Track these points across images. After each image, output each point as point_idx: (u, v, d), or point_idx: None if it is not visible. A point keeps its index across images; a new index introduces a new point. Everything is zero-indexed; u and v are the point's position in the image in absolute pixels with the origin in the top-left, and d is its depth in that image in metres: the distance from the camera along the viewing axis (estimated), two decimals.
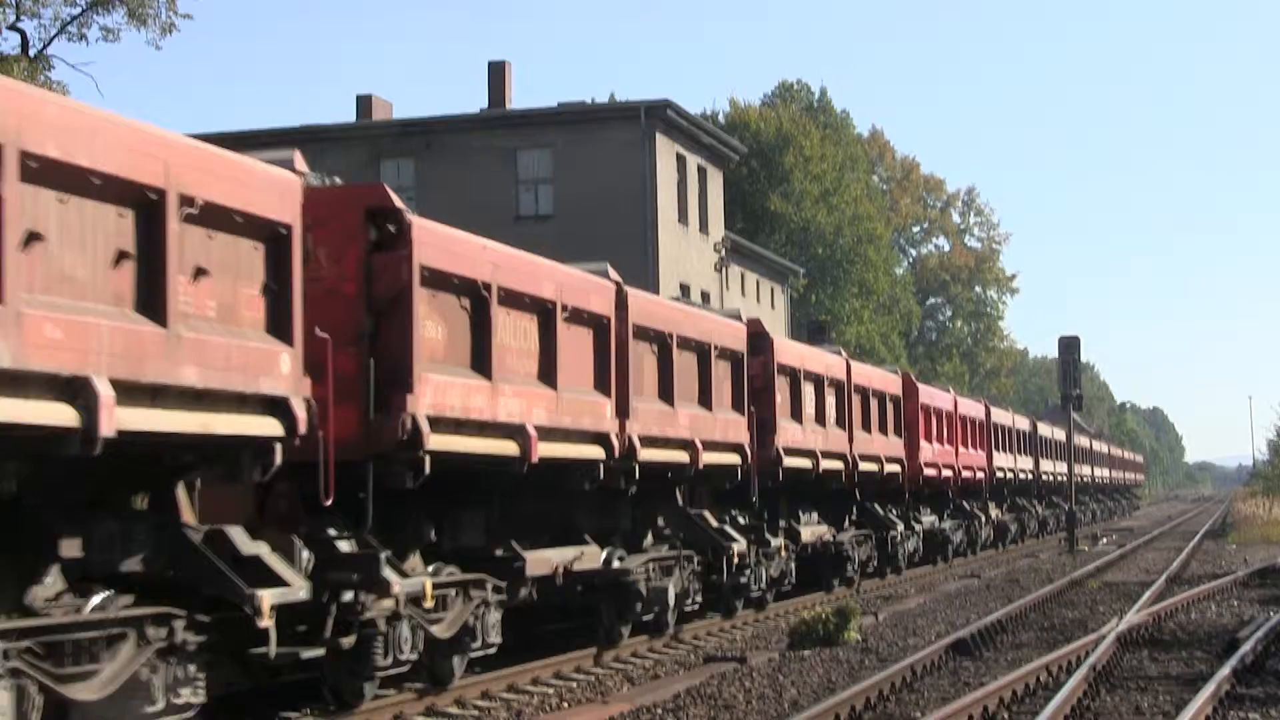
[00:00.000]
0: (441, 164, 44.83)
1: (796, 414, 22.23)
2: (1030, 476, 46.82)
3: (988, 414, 39.64)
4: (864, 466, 25.58)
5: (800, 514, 23.61)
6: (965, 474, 35.11)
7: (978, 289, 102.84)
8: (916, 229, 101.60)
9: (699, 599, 18.60)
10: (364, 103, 49.81)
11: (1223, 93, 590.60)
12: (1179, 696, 12.77)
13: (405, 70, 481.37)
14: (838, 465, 24.25)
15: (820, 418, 23.54)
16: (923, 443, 30.77)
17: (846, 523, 26.54)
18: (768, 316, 54.29)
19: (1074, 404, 43.00)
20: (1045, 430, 51.27)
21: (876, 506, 28.15)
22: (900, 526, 28.97)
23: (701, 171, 49.27)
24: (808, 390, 22.93)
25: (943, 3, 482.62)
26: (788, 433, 21.59)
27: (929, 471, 31.20)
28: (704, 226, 49.53)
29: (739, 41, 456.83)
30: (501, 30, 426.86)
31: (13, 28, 39.62)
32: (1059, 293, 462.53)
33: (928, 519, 32.34)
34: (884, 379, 28.74)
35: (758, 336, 21.11)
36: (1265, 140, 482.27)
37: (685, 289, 46.39)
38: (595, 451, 14.99)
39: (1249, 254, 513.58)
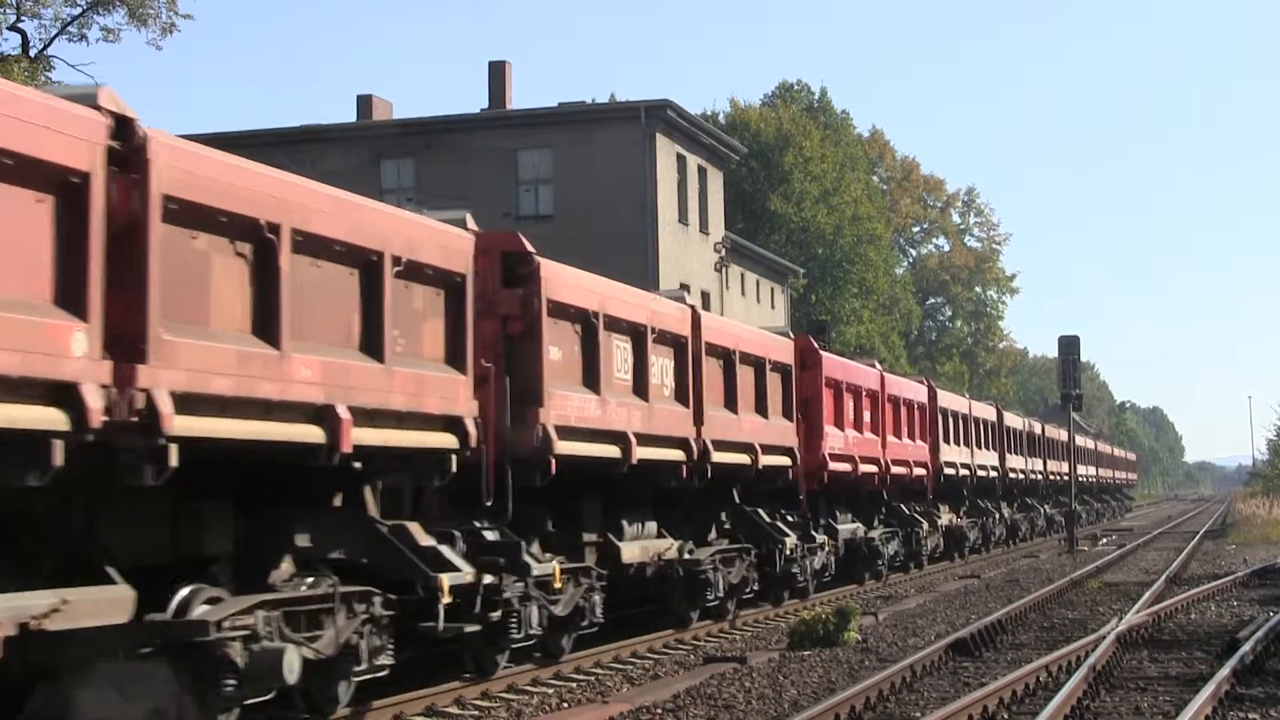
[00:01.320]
0: (441, 164, 44.84)
1: (590, 380, 15.35)
2: (995, 474, 40.34)
3: (932, 397, 32.94)
4: (722, 457, 18.73)
5: (625, 524, 17.07)
6: (898, 470, 28.64)
7: (978, 289, 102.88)
8: (916, 229, 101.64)
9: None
10: (364, 103, 49.87)
11: (1223, 93, 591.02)
12: (1179, 697, 12.77)
13: (405, 70, 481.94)
14: (672, 455, 17.43)
15: (640, 388, 16.51)
16: (829, 429, 24.20)
17: (713, 534, 20.07)
18: (768, 316, 54.41)
19: (1074, 404, 42.98)
20: (1014, 421, 45.09)
21: (760, 512, 21.51)
22: (791, 538, 21.82)
23: (701, 171, 49.28)
24: (615, 347, 16.07)
25: (943, 3, 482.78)
26: (568, 405, 14.75)
27: (838, 466, 24.49)
28: (704, 226, 49.54)
29: (739, 41, 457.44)
30: (501, 30, 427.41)
31: (13, 28, 39.70)
32: (1059, 293, 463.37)
33: (846, 526, 25.99)
34: (762, 341, 21.50)
35: (514, 258, 14.22)
36: (1266, 140, 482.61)
37: (685, 289, 46.42)
38: (43, 417, 8.10)
39: (1249, 254, 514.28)
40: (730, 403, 19.64)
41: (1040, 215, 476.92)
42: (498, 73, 49.21)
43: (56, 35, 40.36)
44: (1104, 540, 45.97)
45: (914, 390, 31.76)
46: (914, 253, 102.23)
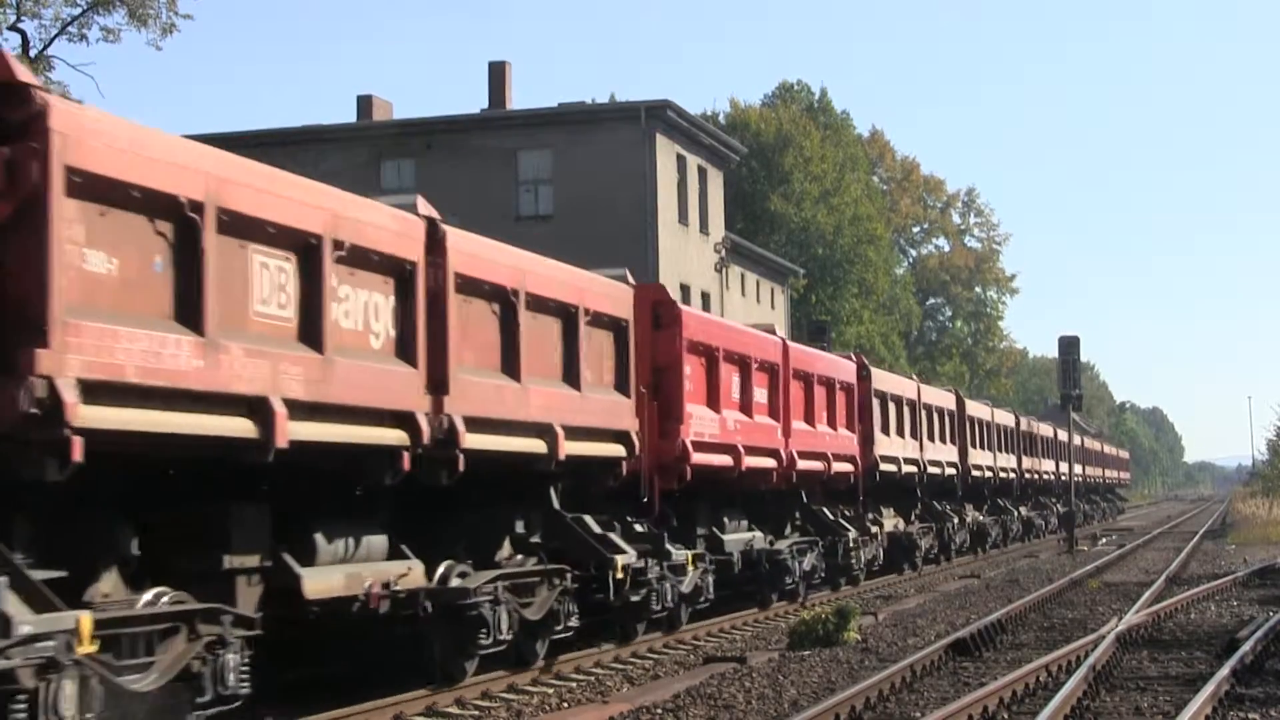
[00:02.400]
0: (441, 164, 44.86)
1: (187, 313, 9.50)
2: (955, 472, 34.68)
3: (864, 377, 27.44)
4: (484, 441, 12.68)
5: (320, 540, 11.52)
6: (807, 465, 22.76)
7: (978, 289, 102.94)
8: (916, 229, 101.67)
9: None
10: (364, 103, 49.94)
11: (1223, 92, 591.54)
12: (1179, 697, 12.77)
13: (405, 70, 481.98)
14: (378, 436, 11.42)
15: (310, 332, 10.63)
16: (694, 409, 18.44)
17: (505, 551, 14.61)
18: (768, 317, 54.44)
19: (1074, 404, 42.99)
20: (979, 411, 39.48)
21: (588, 520, 15.85)
22: (628, 555, 15.92)
23: (701, 171, 49.31)
24: (257, 266, 10.15)
25: (943, 3, 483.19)
26: (115, 349, 8.79)
27: (708, 458, 18.70)
28: (704, 226, 49.57)
29: (739, 42, 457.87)
30: (501, 30, 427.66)
31: (13, 28, 39.71)
32: (1059, 293, 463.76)
33: (738, 537, 20.58)
34: (575, 284, 15.05)
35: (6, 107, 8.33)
36: (1266, 140, 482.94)
37: (685, 289, 46.47)
38: None
39: (1249, 254, 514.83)
40: (509, 366, 13.52)
41: (1040, 215, 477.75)
42: (498, 73, 49.25)
43: (56, 35, 40.39)
44: (1104, 540, 45.99)
45: (836, 367, 25.78)
46: (914, 253, 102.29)
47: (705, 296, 48.68)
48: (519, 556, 14.69)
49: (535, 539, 15.11)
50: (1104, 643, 15.41)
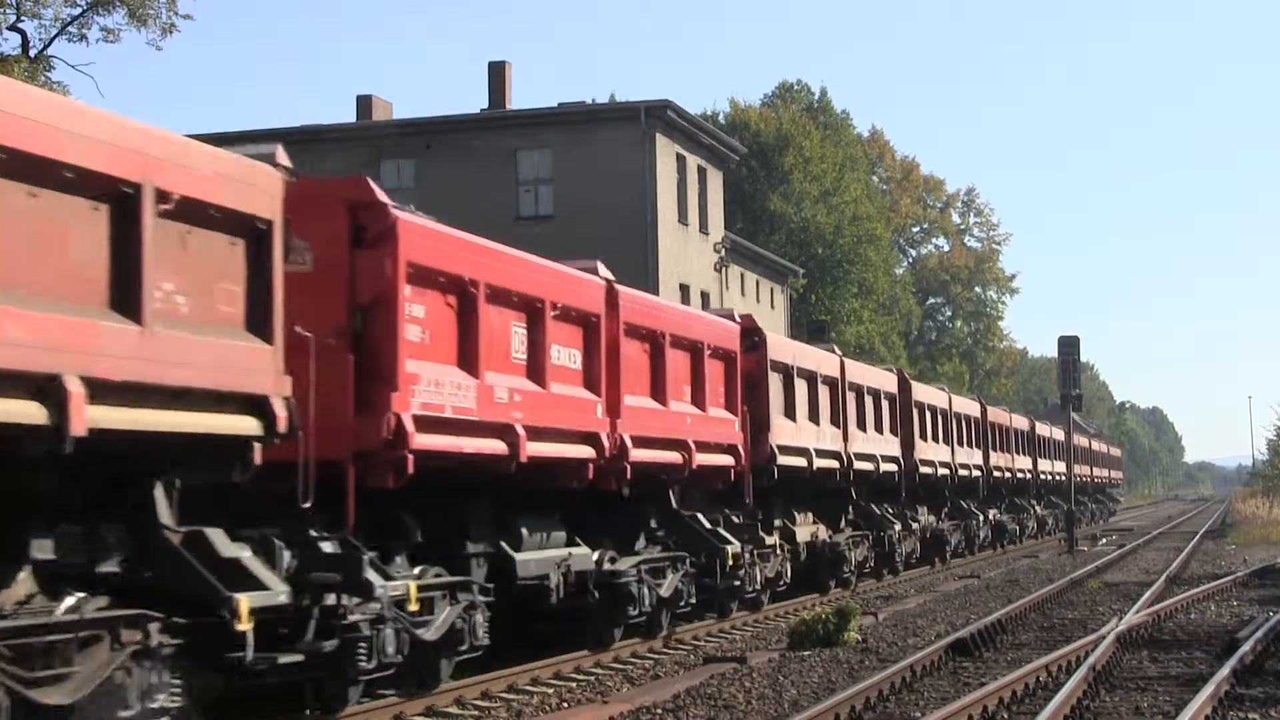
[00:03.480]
0: (441, 164, 44.87)
1: None
2: (896, 468, 28.89)
3: (752, 345, 21.58)
4: None
5: None
6: (649, 455, 16.75)
7: (978, 289, 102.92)
8: (916, 229, 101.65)
9: None
10: (364, 103, 49.95)
11: (1222, 91, 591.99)
12: (1179, 697, 12.78)
13: (405, 70, 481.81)
14: None
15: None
16: (423, 369, 12.25)
17: (31, 586, 8.52)
18: (768, 316, 54.45)
19: (1074, 404, 43.00)
20: (929, 396, 33.62)
21: (214, 541, 9.49)
22: (267, 594, 9.61)
23: (701, 171, 49.32)
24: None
25: (943, 3, 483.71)
26: None
27: (452, 443, 12.66)
28: (704, 226, 49.58)
29: (739, 41, 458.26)
30: (501, 30, 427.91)
31: (13, 28, 39.73)
32: (1059, 293, 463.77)
33: (543, 554, 14.91)
34: (92, 138, 8.13)
35: None
36: (1264, 139, 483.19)
37: (685, 289, 46.50)
38: None
39: (1249, 254, 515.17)
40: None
41: (1040, 215, 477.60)
42: (498, 73, 49.26)
43: (56, 35, 40.38)
44: (1104, 540, 46.03)
45: (705, 328, 19.47)
46: (914, 253, 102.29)
47: (705, 296, 48.71)
48: (70, 600, 8.51)
49: (109, 568, 9.04)
50: (1104, 643, 15.42)
